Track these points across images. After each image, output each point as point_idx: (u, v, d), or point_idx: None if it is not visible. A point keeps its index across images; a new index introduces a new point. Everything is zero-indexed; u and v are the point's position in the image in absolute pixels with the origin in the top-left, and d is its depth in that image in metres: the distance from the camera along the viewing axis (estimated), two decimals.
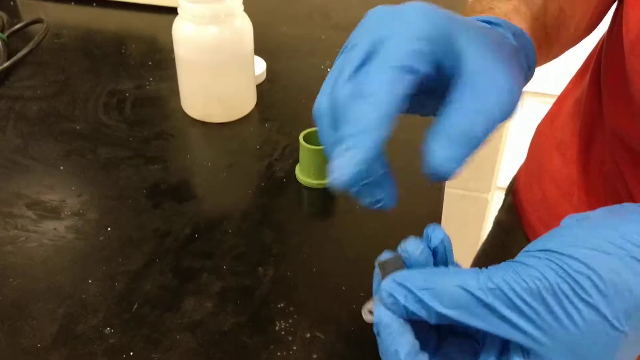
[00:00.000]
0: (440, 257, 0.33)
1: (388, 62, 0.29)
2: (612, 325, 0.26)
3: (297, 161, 0.60)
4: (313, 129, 0.59)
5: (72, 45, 0.82)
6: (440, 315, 0.29)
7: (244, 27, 0.64)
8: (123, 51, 0.81)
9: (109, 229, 0.55)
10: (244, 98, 0.68)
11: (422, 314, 0.29)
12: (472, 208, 1.20)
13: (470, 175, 1.17)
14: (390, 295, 0.30)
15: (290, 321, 0.47)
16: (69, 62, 0.78)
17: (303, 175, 0.59)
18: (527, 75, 0.37)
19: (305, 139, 0.58)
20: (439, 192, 0.59)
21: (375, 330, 0.31)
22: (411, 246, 0.32)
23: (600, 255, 0.26)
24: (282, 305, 0.48)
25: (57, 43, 0.82)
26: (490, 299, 0.27)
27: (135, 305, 0.48)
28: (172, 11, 0.65)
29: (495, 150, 1.14)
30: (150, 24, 0.87)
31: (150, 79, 0.75)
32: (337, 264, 0.52)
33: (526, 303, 0.27)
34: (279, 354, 0.45)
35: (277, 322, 0.47)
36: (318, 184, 0.59)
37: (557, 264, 0.27)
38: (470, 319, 0.28)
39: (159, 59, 0.79)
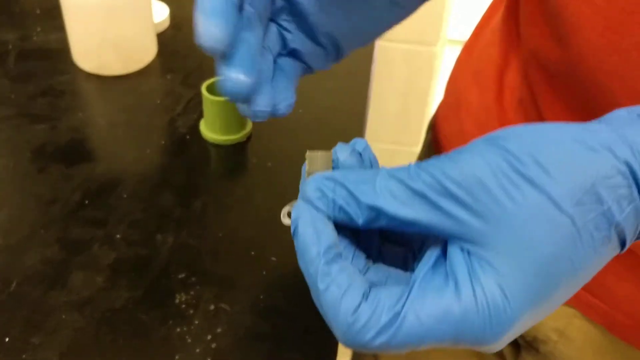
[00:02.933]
0: (366, 163, 0.30)
1: None
2: (558, 206, 0.24)
3: (202, 116, 0.55)
4: (218, 78, 0.53)
5: None
6: (370, 208, 0.26)
7: None
8: None
9: None
10: (142, 46, 0.61)
11: (351, 209, 0.26)
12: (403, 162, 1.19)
13: (399, 129, 1.15)
14: (318, 189, 0.27)
15: (192, 293, 0.42)
16: None
17: (208, 130, 0.53)
18: None
19: (209, 90, 0.52)
20: None
21: (292, 229, 0.27)
22: (341, 150, 0.29)
23: (549, 142, 0.24)
24: (182, 275, 0.43)
25: None
26: (420, 186, 0.25)
27: (14, 284, 0.42)
28: None
29: (422, 104, 1.12)
30: None
31: (39, 29, 0.67)
32: (245, 227, 0.47)
33: (462, 187, 0.24)
34: (178, 329, 0.40)
35: (177, 295, 0.42)
36: (225, 140, 0.53)
37: (498, 147, 0.24)
38: (401, 209, 0.25)
39: (49, 7, 0.70)
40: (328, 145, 0.56)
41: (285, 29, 0.34)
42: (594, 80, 0.39)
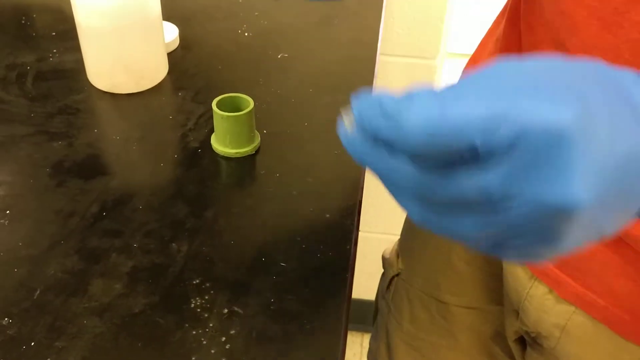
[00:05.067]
0: None
1: None
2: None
3: (212, 130, 0.57)
4: (227, 94, 0.56)
5: None
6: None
7: None
8: (23, 22, 0.75)
9: (7, 211, 0.50)
10: (154, 66, 0.64)
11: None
12: None
13: None
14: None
15: (207, 297, 0.44)
16: None
17: (219, 144, 0.56)
18: None
19: (219, 105, 0.54)
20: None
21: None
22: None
23: None
24: (197, 281, 0.46)
25: None
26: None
27: (38, 292, 0.44)
28: None
29: None
30: None
31: (54, 50, 0.70)
32: (255, 235, 0.49)
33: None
34: (194, 332, 0.42)
35: (192, 300, 0.44)
36: (235, 153, 0.56)
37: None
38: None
39: (64, 30, 0.73)
40: (331, 159, 0.59)
41: None
42: None
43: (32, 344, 0.41)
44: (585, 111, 0.22)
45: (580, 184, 0.22)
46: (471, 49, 1.13)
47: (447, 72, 1.11)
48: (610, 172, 0.23)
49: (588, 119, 0.22)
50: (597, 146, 0.23)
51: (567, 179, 0.22)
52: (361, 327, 1.55)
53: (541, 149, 0.22)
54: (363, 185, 0.55)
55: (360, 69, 0.68)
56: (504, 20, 0.54)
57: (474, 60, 0.60)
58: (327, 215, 0.51)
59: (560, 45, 0.44)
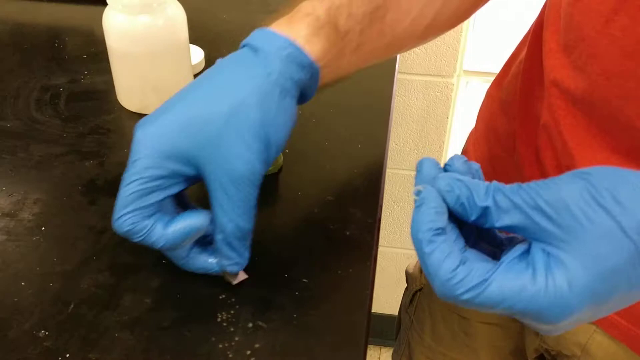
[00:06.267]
0: (472, 171, 0.37)
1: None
2: (625, 232, 0.29)
3: None
4: None
5: (1, 40, 0.79)
6: (482, 209, 0.32)
7: (177, 15, 0.62)
8: (56, 45, 0.78)
9: (42, 228, 0.53)
10: (180, 88, 0.66)
11: (469, 206, 0.33)
12: None
13: (418, 156, 1.18)
14: (449, 184, 0.33)
15: (232, 312, 0.46)
16: None
17: None
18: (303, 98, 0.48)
19: None
20: (378, 177, 0.59)
21: (417, 204, 0.34)
22: (457, 159, 0.36)
23: (627, 183, 0.30)
24: (223, 296, 0.48)
25: None
26: (518, 200, 0.32)
27: (72, 306, 0.47)
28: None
29: (440, 132, 1.15)
30: (85, 16, 0.84)
31: (86, 72, 0.73)
32: (279, 251, 0.51)
33: (550, 205, 0.31)
34: (220, 345, 0.44)
35: (218, 314, 0.46)
36: None
37: (584, 180, 0.31)
38: (502, 215, 0.32)
39: (95, 52, 0.76)
40: (350, 177, 0.61)
41: None
42: (611, 105, 0.43)
43: (68, 355, 0.43)
44: (595, 293, 0.30)
45: (566, 327, 0.31)
46: (487, 67, 1.14)
47: (464, 89, 1.12)
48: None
49: (595, 299, 0.30)
50: (595, 307, 0.31)
51: (560, 324, 0.31)
52: (379, 341, 1.56)
53: (545, 316, 0.31)
54: (382, 203, 0.57)
55: (379, 87, 0.70)
56: (527, 44, 0.55)
57: (498, 83, 0.62)
58: (347, 233, 0.53)
59: (580, 71, 0.45)
